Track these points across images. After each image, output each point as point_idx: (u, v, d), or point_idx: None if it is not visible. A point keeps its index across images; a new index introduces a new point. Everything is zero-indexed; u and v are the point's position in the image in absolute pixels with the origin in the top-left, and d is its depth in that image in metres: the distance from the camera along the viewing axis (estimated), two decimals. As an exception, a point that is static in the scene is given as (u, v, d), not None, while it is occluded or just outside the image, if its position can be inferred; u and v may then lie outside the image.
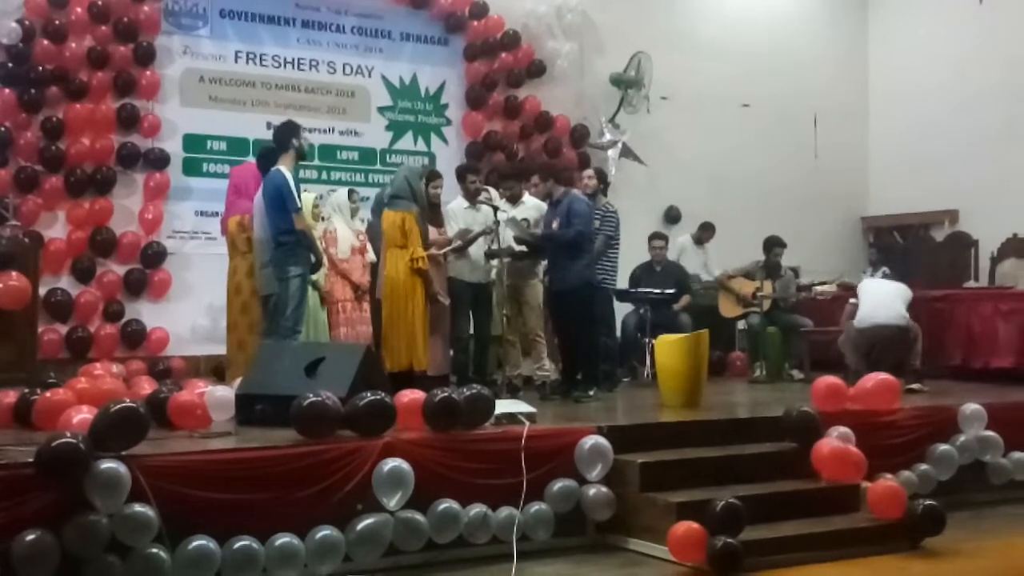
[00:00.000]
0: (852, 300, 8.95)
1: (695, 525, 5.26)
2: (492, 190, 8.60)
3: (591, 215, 8.10)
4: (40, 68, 9.12)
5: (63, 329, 9.18)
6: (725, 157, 12.15)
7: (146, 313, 9.59)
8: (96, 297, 9.35)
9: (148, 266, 9.59)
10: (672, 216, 12.09)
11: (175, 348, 9.56)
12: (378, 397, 5.49)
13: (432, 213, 8.07)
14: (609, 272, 8.83)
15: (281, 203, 7.28)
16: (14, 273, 7.64)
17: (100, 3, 9.33)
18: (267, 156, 7.72)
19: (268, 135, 8.81)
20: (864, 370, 8.31)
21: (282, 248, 7.33)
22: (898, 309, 8.59)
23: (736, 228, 11.22)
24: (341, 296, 8.05)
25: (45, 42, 9.16)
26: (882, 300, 8.65)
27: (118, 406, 4.85)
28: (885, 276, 9.13)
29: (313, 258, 7.47)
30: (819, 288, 10.38)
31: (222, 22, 10.07)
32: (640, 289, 9.77)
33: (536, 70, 11.33)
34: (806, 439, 6.25)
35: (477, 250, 8.21)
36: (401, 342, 7.43)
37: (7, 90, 9.03)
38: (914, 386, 8.18)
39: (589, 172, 9.00)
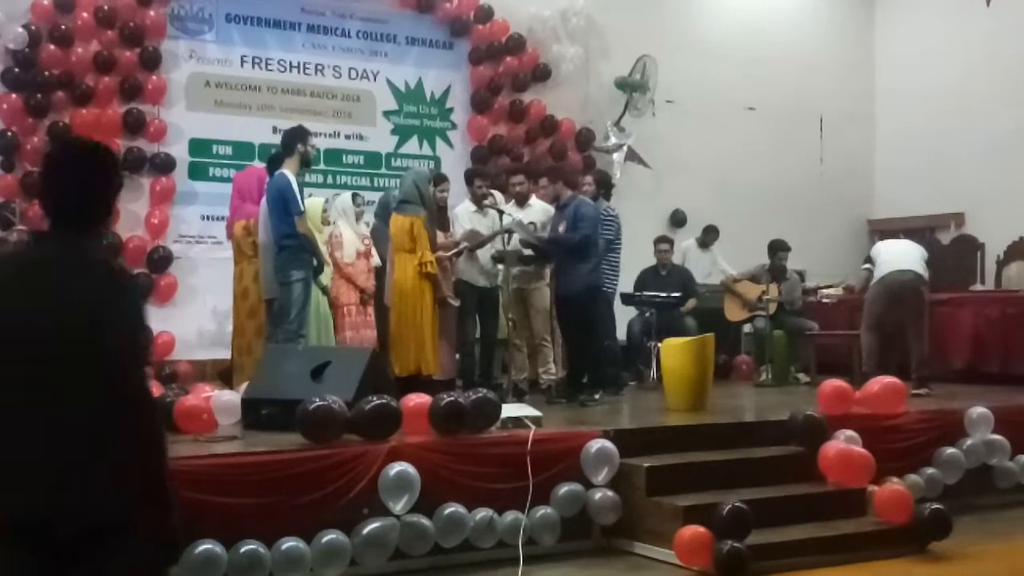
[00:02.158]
0: (865, 266, 8.84)
1: (702, 529, 5.26)
2: (497, 194, 8.60)
3: (598, 219, 8.10)
4: (46, 73, 9.13)
5: (69, 333, 9.17)
6: (730, 160, 12.14)
7: (152, 317, 9.44)
8: (102, 301, 9.34)
9: (154, 270, 9.60)
10: (677, 220, 12.08)
11: (181, 352, 9.56)
12: (384, 401, 5.49)
13: (439, 217, 8.08)
14: (609, 275, 8.81)
15: (283, 206, 7.28)
16: (21, 278, 7.64)
17: (106, 8, 9.35)
18: (276, 161, 7.74)
19: (273, 139, 8.84)
20: (876, 351, 8.29)
21: (284, 252, 7.32)
22: (917, 260, 8.56)
23: (741, 231, 11.20)
24: (346, 300, 8.05)
25: (51, 47, 9.18)
26: (901, 254, 8.62)
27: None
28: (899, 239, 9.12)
29: (315, 262, 7.48)
30: (825, 291, 10.36)
31: (228, 27, 10.08)
32: (646, 293, 9.76)
33: (541, 74, 11.33)
34: (812, 442, 6.25)
35: (485, 254, 8.22)
36: (410, 346, 7.44)
37: (13, 95, 9.05)
38: (920, 391, 8.15)
39: (588, 178, 8.97)
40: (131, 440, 2.61)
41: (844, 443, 6.28)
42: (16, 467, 2.55)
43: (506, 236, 7.84)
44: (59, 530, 2.53)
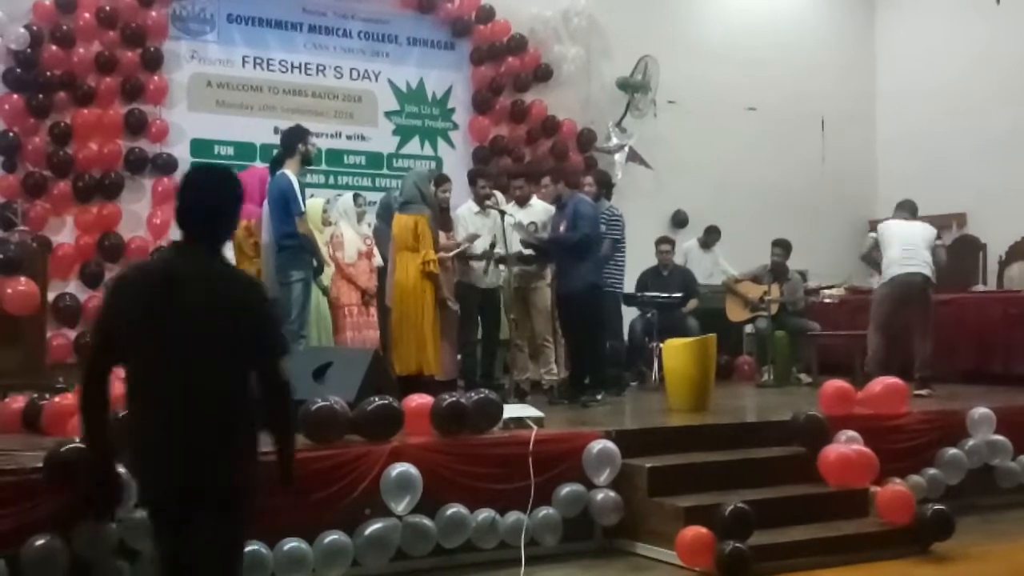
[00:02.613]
0: (872, 234, 8.70)
1: (703, 530, 5.26)
2: (498, 194, 8.60)
3: (597, 218, 8.10)
4: (48, 73, 9.13)
5: (72, 334, 9.19)
6: (732, 161, 12.13)
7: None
8: (104, 302, 9.34)
9: (156, 271, 9.59)
10: (679, 220, 12.07)
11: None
12: (386, 402, 5.49)
13: (441, 217, 8.08)
14: (616, 275, 8.83)
15: (285, 207, 7.29)
16: (22, 278, 7.63)
17: (108, 8, 9.35)
18: (278, 162, 7.75)
19: (275, 140, 8.82)
20: (882, 351, 8.26)
21: (284, 252, 7.33)
22: (925, 256, 8.41)
23: (743, 232, 11.20)
24: (348, 300, 8.05)
25: (53, 47, 9.18)
26: (910, 248, 8.41)
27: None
28: (905, 219, 8.78)
29: (315, 262, 7.47)
30: (827, 291, 10.36)
31: (229, 27, 10.09)
32: (647, 293, 9.76)
33: (543, 74, 11.32)
34: (814, 443, 6.24)
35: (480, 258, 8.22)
36: (411, 346, 7.44)
37: (15, 95, 9.05)
38: (922, 392, 8.14)
39: (588, 179, 8.96)
40: (266, 423, 3.16)
41: (846, 444, 6.27)
42: (171, 449, 2.99)
43: (504, 237, 7.83)
44: (196, 498, 2.99)
